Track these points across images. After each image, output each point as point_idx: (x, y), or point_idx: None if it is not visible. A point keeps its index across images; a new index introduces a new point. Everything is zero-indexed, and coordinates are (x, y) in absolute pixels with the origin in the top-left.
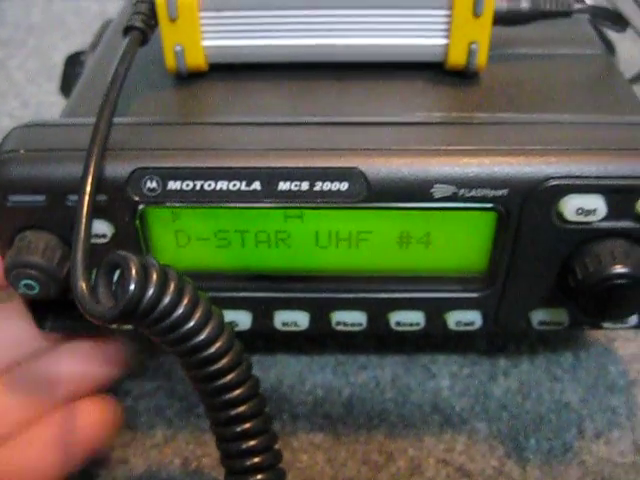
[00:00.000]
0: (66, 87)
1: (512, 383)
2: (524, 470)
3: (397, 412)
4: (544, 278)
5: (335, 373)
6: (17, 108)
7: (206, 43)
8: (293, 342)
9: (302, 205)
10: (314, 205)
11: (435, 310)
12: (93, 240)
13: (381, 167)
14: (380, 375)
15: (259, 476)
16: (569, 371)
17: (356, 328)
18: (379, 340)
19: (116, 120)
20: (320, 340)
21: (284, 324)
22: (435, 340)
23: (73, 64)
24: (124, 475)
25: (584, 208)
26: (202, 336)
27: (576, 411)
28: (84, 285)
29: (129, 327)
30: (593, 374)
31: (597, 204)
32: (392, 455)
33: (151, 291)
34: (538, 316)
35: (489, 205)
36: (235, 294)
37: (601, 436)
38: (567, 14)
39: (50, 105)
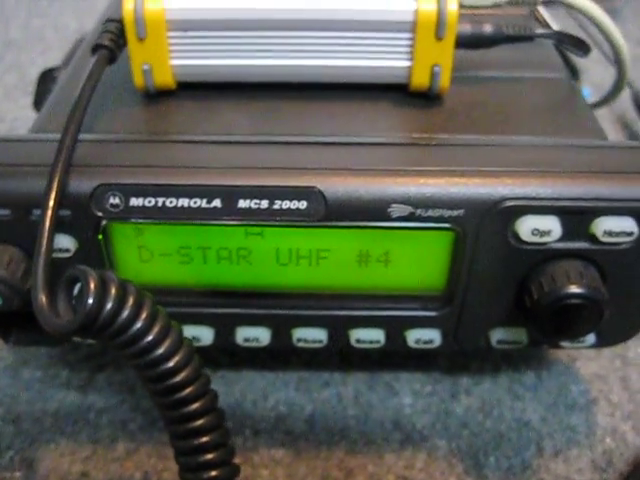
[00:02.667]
0: (39, 103)
1: (474, 401)
2: None
3: (358, 429)
4: (502, 297)
5: (298, 390)
6: None
7: (174, 62)
8: (257, 359)
9: (262, 223)
10: (274, 223)
11: (395, 328)
12: (57, 254)
13: (339, 187)
14: (343, 392)
15: None
16: (531, 390)
17: (317, 345)
18: (343, 357)
19: (82, 137)
20: (284, 357)
21: (246, 340)
22: (398, 358)
23: (46, 80)
24: None
25: (539, 229)
26: (161, 350)
27: (536, 429)
28: (44, 298)
29: (90, 340)
30: (554, 393)
31: (552, 225)
32: (352, 471)
33: (109, 305)
34: (497, 335)
35: (446, 225)
36: (198, 310)
37: (560, 454)
38: (530, 38)
39: (26, 120)
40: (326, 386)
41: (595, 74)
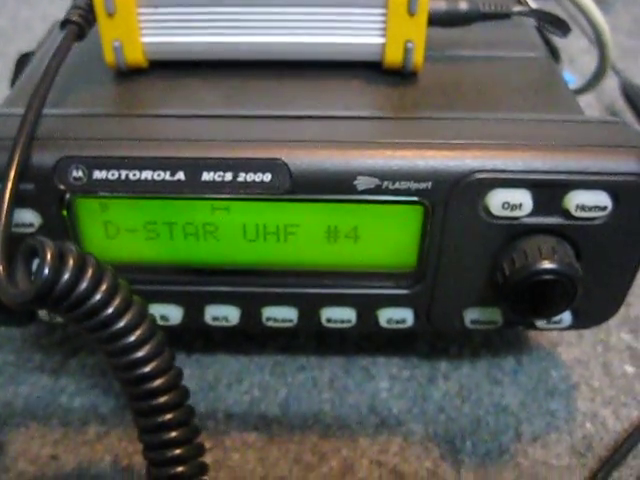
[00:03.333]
0: None
1: (452, 386)
2: (458, 472)
3: (333, 413)
4: (475, 275)
5: (273, 373)
6: None
7: (145, 39)
8: (232, 342)
9: (227, 196)
10: (239, 196)
11: (366, 307)
12: (21, 229)
13: (304, 158)
14: (318, 376)
15: (179, 468)
16: (510, 375)
17: (287, 324)
18: (319, 341)
19: (47, 111)
20: (260, 340)
21: (214, 319)
22: (376, 342)
23: (23, 64)
24: (53, 471)
25: (510, 202)
26: (121, 324)
27: (514, 414)
28: (1, 269)
29: (55, 315)
30: (534, 378)
31: (523, 199)
32: (325, 455)
33: (66, 276)
34: (471, 315)
35: (414, 198)
36: (165, 287)
37: (538, 439)
38: (506, 16)
39: None
40: (302, 370)
41: (583, 62)
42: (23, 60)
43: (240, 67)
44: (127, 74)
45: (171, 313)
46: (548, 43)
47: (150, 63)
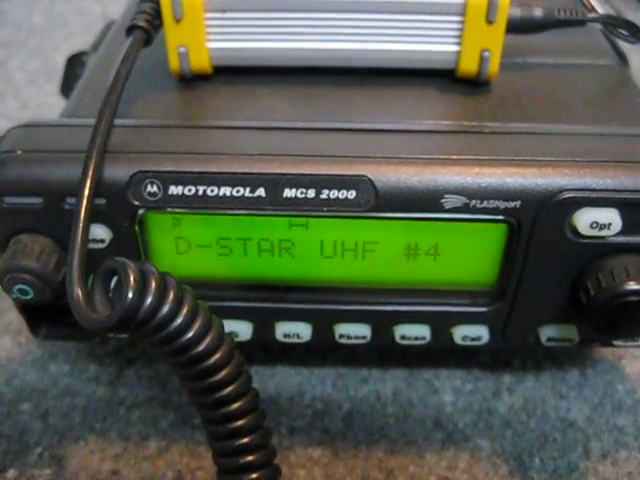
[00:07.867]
0: (66, 88)
1: (517, 400)
2: None
3: (398, 427)
4: (555, 293)
5: (335, 386)
6: (16, 109)
7: (211, 45)
8: (293, 354)
9: (308, 213)
10: (320, 213)
11: (441, 324)
12: (91, 245)
13: (390, 176)
14: (381, 389)
15: None
16: (575, 389)
17: (360, 341)
18: (381, 353)
19: (117, 122)
20: (321, 352)
21: (285, 335)
22: (438, 354)
23: (74, 65)
24: None
25: (598, 222)
26: (201, 347)
27: (582, 430)
28: (80, 292)
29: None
30: (600, 392)
31: (612, 218)
32: (392, 472)
33: (149, 300)
34: (547, 332)
35: (500, 217)
36: (236, 304)
37: (607, 456)
38: (581, 23)
39: (50, 107)
40: (364, 383)
41: (634, 60)
42: (74, 61)
43: (308, 73)
44: (190, 80)
45: (241, 329)
46: (615, 48)
47: (214, 69)
